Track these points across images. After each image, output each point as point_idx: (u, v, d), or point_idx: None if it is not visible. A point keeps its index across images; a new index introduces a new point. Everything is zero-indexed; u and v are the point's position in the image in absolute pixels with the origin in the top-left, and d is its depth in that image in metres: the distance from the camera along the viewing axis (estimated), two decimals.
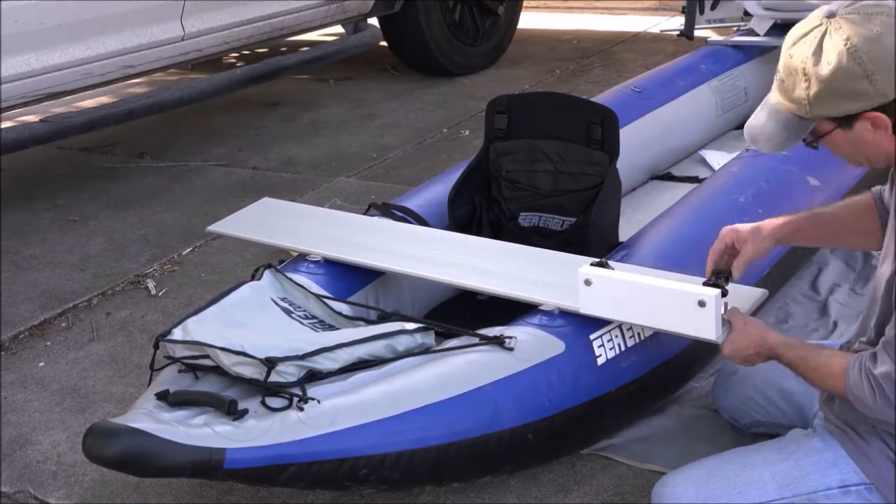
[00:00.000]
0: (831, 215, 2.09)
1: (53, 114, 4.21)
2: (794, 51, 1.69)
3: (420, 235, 2.73)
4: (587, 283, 2.11)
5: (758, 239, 2.04)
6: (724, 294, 2.00)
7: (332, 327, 2.34)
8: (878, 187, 2.00)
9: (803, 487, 1.82)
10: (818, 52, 1.64)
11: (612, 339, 2.21)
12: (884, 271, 1.77)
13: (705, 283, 2.02)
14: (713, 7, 4.65)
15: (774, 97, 1.75)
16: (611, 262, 2.23)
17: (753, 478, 1.85)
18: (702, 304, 1.97)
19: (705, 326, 1.98)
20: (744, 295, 2.12)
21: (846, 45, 1.61)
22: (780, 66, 1.73)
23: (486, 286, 2.43)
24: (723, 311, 2.00)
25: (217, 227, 2.88)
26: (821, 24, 1.66)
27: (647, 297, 2.07)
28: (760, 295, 2.20)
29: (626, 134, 2.99)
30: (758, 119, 1.79)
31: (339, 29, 5.54)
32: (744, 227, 2.07)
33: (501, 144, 2.98)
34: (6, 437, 2.58)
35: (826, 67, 1.63)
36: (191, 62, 4.59)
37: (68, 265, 3.62)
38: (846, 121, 1.67)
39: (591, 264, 2.16)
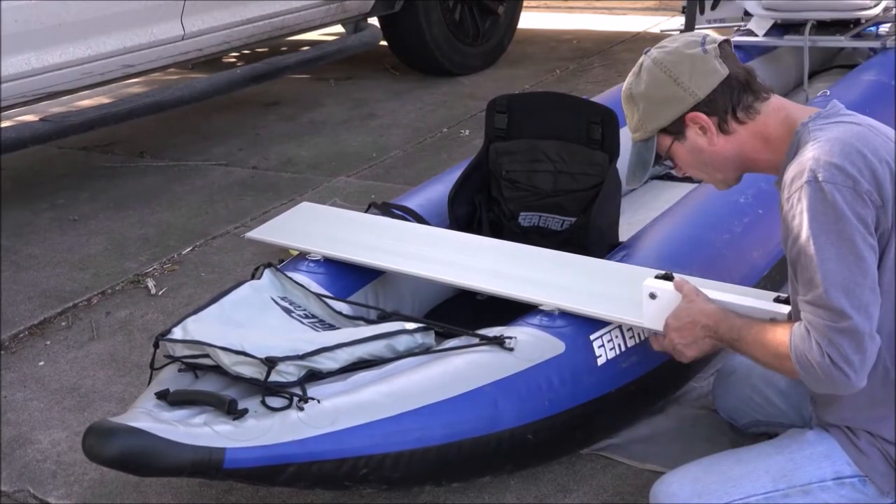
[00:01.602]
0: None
1: (53, 113, 4.21)
2: (624, 84, 1.98)
3: (420, 234, 2.73)
4: (652, 296, 2.03)
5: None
6: None
7: (332, 327, 2.34)
8: None
9: (798, 479, 1.83)
10: (636, 75, 1.94)
11: (612, 340, 2.21)
12: None
13: (776, 300, 1.98)
14: (713, 7, 4.66)
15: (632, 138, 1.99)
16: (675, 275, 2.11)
17: (748, 471, 1.86)
18: (773, 321, 1.89)
19: None
20: None
21: (653, 61, 1.90)
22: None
23: (485, 286, 2.43)
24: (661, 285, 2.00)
25: (255, 233, 2.84)
26: (641, 59, 1.95)
27: None
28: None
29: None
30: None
31: (339, 29, 5.54)
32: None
33: (501, 144, 2.98)
34: (6, 436, 2.58)
35: (643, 86, 1.92)
36: (191, 62, 4.59)
37: (68, 265, 3.62)
38: (677, 131, 1.90)
39: (656, 276, 2.06)
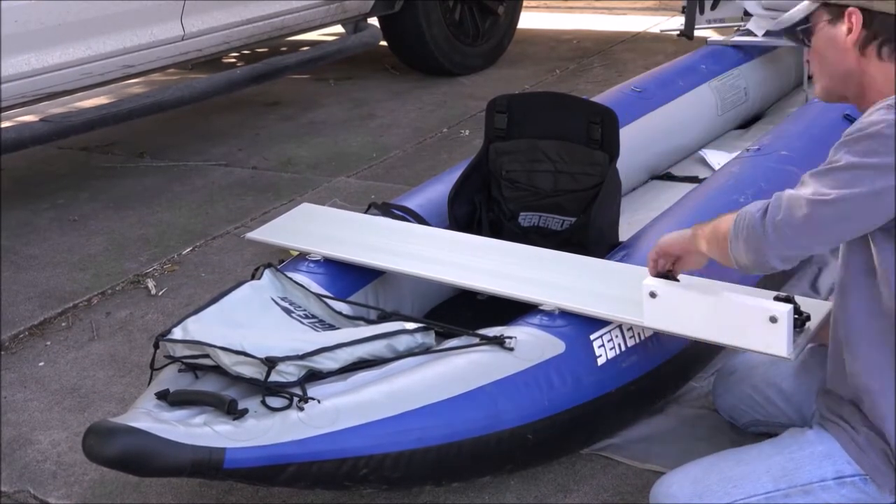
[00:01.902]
0: None
1: (53, 114, 4.21)
2: None
3: (420, 234, 2.73)
4: (652, 295, 2.04)
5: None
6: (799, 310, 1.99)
7: (332, 327, 2.34)
8: None
9: (798, 479, 1.83)
10: None
11: (612, 340, 2.21)
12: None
13: (776, 299, 1.98)
14: (713, 7, 4.66)
15: None
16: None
17: (748, 472, 1.86)
18: (773, 319, 1.91)
19: (776, 342, 1.92)
20: (812, 307, 2.08)
21: None
22: None
23: (486, 286, 2.43)
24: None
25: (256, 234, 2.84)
26: None
27: (715, 312, 2.00)
28: (829, 308, 2.07)
29: (626, 134, 2.99)
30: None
31: (339, 29, 5.54)
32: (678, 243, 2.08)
33: (501, 144, 2.98)
34: (6, 436, 2.58)
35: None
36: (191, 62, 4.59)
37: (68, 265, 3.62)
38: (835, 15, 1.84)
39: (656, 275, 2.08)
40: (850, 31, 1.82)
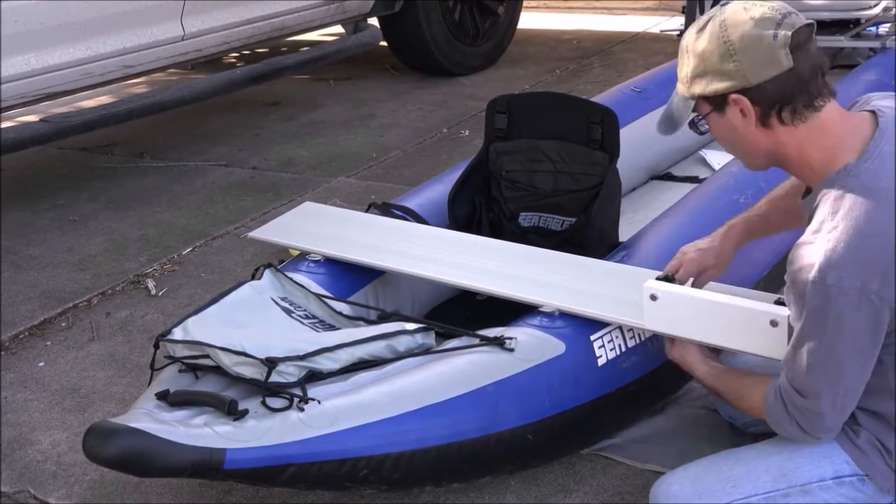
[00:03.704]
0: (777, 206, 2.16)
1: (53, 114, 4.21)
2: (687, 33, 1.84)
3: (420, 234, 2.73)
4: (653, 298, 2.04)
5: (723, 261, 2.15)
6: None
7: (332, 327, 2.34)
8: None
9: (797, 479, 1.83)
10: (700, 33, 1.79)
11: (612, 340, 2.21)
12: None
13: (777, 302, 1.97)
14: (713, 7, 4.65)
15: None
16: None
17: (747, 471, 1.86)
18: (774, 323, 1.91)
19: (777, 346, 1.92)
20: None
21: (720, 26, 1.75)
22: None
23: (486, 286, 2.43)
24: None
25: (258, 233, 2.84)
26: (714, 12, 1.80)
27: (716, 315, 2.00)
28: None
29: (626, 134, 2.99)
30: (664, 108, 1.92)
31: (339, 29, 5.54)
32: (705, 252, 2.12)
33: (501, 144, 2.98)
34: (6, 437, 2.58)
35: (701, 45, 1.78)
36: (191, 62, 4.59)
37: (68, 265, 3.62)
38: (719, 104, 1.78)
39: (657, 278, 2.08)
40: (744, 115, 1.76)
